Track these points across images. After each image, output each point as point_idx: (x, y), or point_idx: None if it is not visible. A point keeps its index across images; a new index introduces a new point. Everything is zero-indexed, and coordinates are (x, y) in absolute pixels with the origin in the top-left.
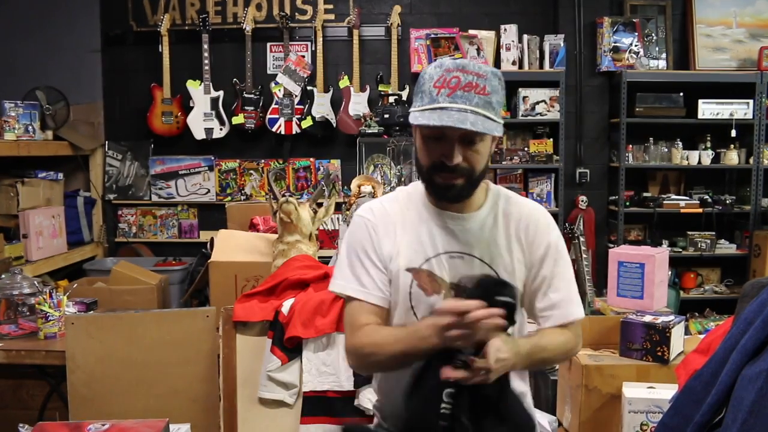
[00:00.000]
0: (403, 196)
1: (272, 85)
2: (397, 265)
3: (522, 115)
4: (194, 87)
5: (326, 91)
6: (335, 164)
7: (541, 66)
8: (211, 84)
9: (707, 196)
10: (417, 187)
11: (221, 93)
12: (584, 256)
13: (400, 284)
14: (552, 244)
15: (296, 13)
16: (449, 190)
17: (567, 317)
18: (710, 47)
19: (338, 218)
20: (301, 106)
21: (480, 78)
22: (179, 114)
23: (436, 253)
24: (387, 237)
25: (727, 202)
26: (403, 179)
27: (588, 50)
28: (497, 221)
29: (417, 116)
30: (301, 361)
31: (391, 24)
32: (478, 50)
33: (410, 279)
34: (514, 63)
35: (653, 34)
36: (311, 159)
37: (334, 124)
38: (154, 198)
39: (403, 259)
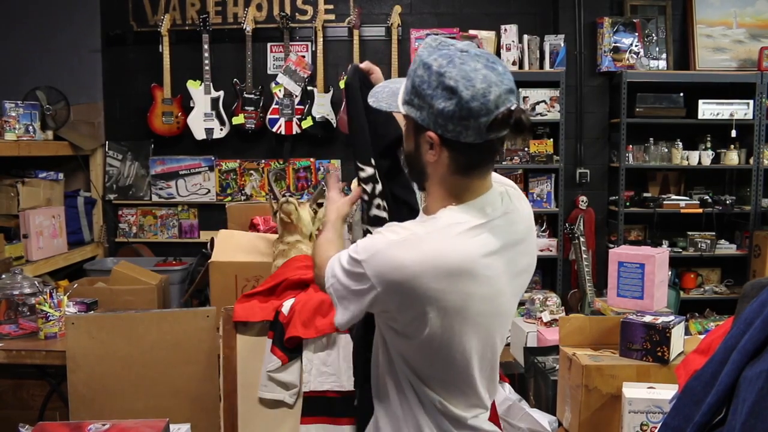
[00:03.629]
0: None
1: (272, 85)
2: None
3: None
4: (194, 87)
5: (326, 91)
6: (335, 164)
7: (542, 66)
8: (211, 84)
9: (707, 197)
10: None
11: (221, 93)
12: (584, 256)
13: None
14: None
15: (296, 14)
16: None
17: None
18: (710, 47)
19: None
20: (302, 107)
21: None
22: (179, 114)
23: None
24: None
25: (727, 202)
26: None
27: (588, 50)
28: None
29: None
30: (302, 361)
31: (392, 24)
32: None
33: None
34: (514, 63)
35: (653, 35)
36: (311, 159)
37: (335, 125)
38: (155, 198)
39: None
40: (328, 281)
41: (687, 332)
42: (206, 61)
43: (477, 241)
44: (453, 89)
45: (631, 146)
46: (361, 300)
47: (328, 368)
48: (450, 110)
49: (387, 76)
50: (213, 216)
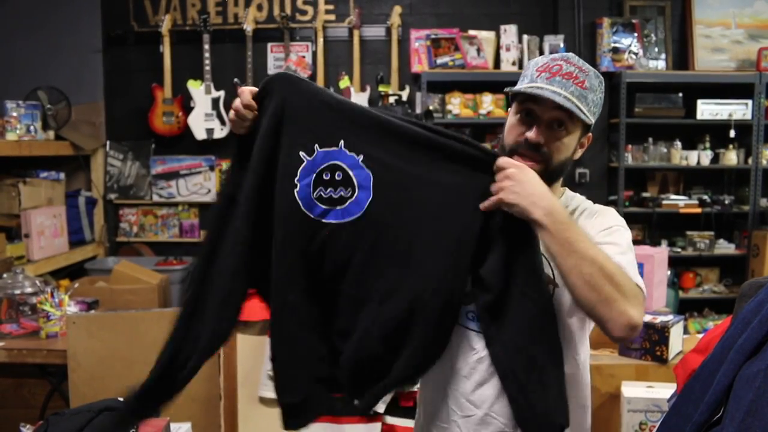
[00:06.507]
0: None
1: None
2: None
3: None
4: (195, 87)
5: None
6: None
7: None
8: (212, 84)
9: (706, 196)
10: None
11: (222, 93)
12: None
13: None
14: (605, 229)
15: (297, 14)
16: None
17: None
18: (709, 48)
19: None
20: None
21: (581, 72)
22: (180, 114)
23: None
24: None
25: (726, 202)
26: None
27: (587, 51)
28: None
29: (514, 89)
30: None
31: (392, 24)
32: (478, 51)
33: None
34: (513, 63)
35: (652, 35)
36: None
37: None
38: (155, 198)
39: None
40: (636, 280)
41: (686, 332)
42: (207, 61)
43: None
44: (602, 82)
45: (630, 146)
46: None
47: None
48: None
49: (387, 76)
50: None
